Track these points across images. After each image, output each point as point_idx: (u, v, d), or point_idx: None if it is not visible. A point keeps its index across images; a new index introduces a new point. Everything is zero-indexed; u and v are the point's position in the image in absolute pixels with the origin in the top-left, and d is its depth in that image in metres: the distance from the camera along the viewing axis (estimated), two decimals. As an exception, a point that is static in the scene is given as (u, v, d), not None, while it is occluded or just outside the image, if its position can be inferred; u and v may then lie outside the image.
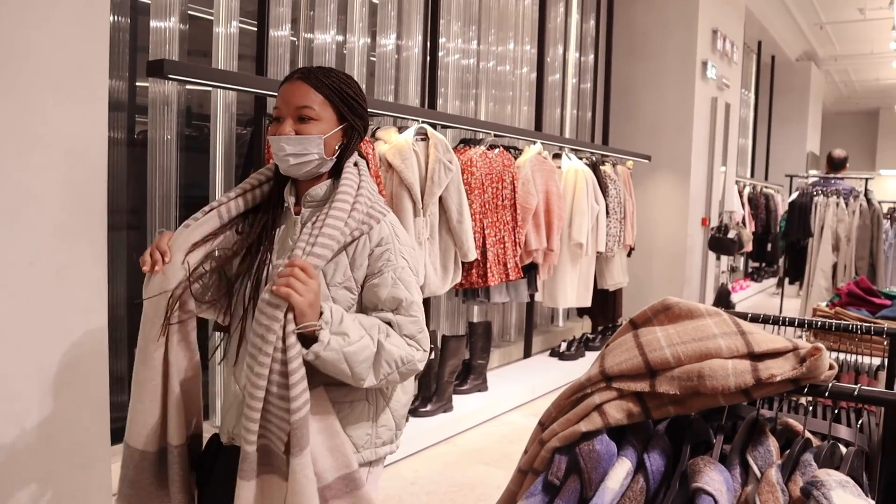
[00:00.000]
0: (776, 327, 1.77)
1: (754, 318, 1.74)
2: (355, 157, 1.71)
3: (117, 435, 3.04)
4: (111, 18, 3.32)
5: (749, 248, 8.17)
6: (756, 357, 1.06)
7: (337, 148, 1.66)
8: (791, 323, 1.85)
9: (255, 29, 3.47)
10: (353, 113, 1.67)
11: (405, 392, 1.74)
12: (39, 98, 2.11)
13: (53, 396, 2.20)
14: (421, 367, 1.59)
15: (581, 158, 5.40)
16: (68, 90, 2.17)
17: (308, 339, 1.45)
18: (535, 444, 1.17)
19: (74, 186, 2.21)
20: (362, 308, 1.61)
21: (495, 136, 4.47)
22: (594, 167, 5.44)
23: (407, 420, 1.80)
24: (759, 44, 11.28)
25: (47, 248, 2.16)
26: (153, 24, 3.35)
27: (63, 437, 2.26)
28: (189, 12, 3.53)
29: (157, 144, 3.42)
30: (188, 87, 3.55)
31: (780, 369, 1.04)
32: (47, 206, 2.15)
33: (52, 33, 2.13)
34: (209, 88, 3.54)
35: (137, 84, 3.48)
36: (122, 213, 3.46)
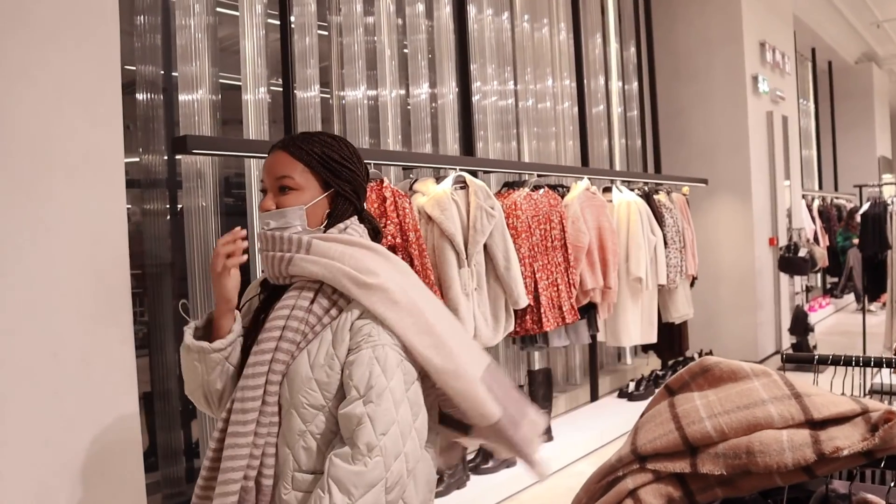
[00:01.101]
0: (854, 370, 1.55)
1: (822, 360, 1.53)
2: (348, 222, 1.59)
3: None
4: (143, 96, 3.36)
5: (825, 264, 7.75)
6: (816, 425, 0.89)
7: (325, 216, 1.56)
8: (878, 363, 1.55)
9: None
10: (339, 177, 1.56)
11: (418, 478, 1.55)
12: (54, 187, 2.09)
13: (86, 489, 2.13)
14: (406, 471, 1.42)
15: (633, 189, 5.21)
16: (83, 176, 2.15)
17: None
18: (566, 538, 1.01)
19: (96, 270, 2.18)
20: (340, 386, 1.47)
21: (539, 175, 4.34)
22: (647, 197, 5.24)
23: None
24: (813, 50, 10.90)
25: (71, 335, 2.12)
26: (182, 97, 3.37)
27: (99, 530, 2.18)
28: (220, 81, 3.55)
29: (195, 213, 3.41)
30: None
31: (847, 440, 0.86)
32: (69, 293, 2.12)
33: (63, 119, 2.12)
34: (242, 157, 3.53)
35: (177, 157, 3.50)
36: (167, 282, 3.46)
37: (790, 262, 6.85)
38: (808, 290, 8.92)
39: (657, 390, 1.07)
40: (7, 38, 2.06)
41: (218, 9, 3.55)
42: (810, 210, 8.82)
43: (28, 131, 2.06)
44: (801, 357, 1.51)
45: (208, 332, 1.58)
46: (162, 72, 3.44)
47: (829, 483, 0.99)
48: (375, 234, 1.65)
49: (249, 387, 1.45)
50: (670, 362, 6.01)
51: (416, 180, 3.67)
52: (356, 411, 1.39)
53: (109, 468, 2.21)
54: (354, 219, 1.61)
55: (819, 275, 10.48)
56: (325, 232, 1.55)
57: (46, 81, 2.13)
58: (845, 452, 0.86)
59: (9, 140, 2.04)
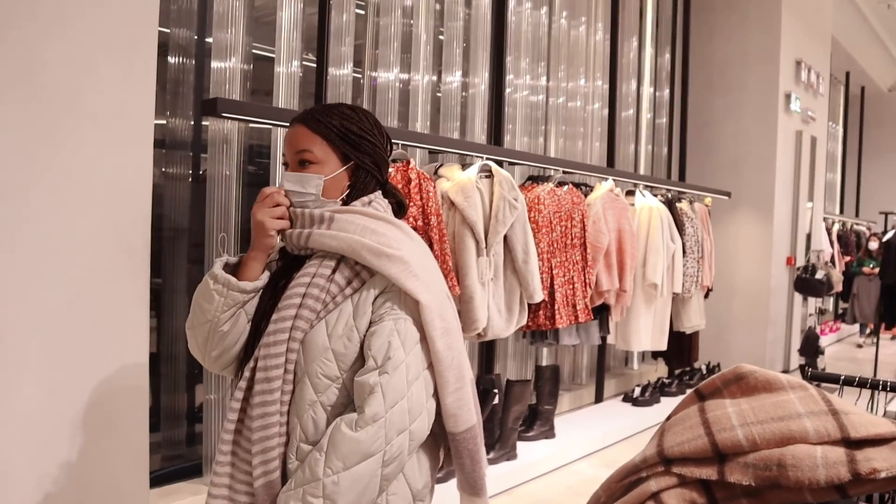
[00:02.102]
0: (862, 394, 1.53)
1: (848, 381, 1.50)
2: (371, 196, 1.57)
3: (156, 479, 3.00)
4: (175, 60, 3.35)
5: (839, 288, 7.68)
6: (853, 444, 0.87)
7: (345, 189, 1.55)
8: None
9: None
10: (359, 150, 1.54)
11: (421, 458, 1.55)
12: (83, 139, 2.08)
13: (90, 442, 2.14)
14: (408, 447, 1.41)
15: (656, 195, 5.17)
16: (113, 132, 2.14)
17: None
18: (582, 535, 1.00)
19: (117, 226, 2.17)
20: (363, 360, 1.45)
21: (564, 172, 4.31)
22: (670, 204, 5.20)
23: (433, 490, 1.61)
24: (847, 74, 10.79)
25: (87, 288, 2.12)
26: (215, 64, 3.35)
27: (100, 482, 2.19)
28: (253, 51, 3.53)
29: (218, 181, 3.40)
30: (250, 125, 3.54)
31: (885, 462, 0.84)
32: (88, 246, 2.11)
33: (98, 75, 2.11)
34: (269, 126, 3.52)
35: (203, 123, 3.49)
36: (182, 247, 3.46)
37: (807, 283, 6.80)
38: (822, 312, 8.85)
39: (686, 393, 1.05)
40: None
41: (257, -23, 3.53)
42: (829, 233, 8.74)
43: (60, 80, 2.05)
44: (826, 376, 1.48)
45: (235, 274, 1.55)
46: (196, 36, 3.43)
47: (857, 504, 0.97)
48: (400, 209, 1.64)
49: (272, 354, 1.43)
50: (678, 371, 5.98)
51: (441, 165, 3.65)
52: (370, 381, 1.39)
53: (115, 423, 2.22)
54: (378, 193, 1.59)
55: (832, 299, 10.39)
56: (347, 205, 1.54)
57: (82, 31, 2.12)
58: (883, 475, 0.83)
59: (41, 86, 2.03)
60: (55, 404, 2.07)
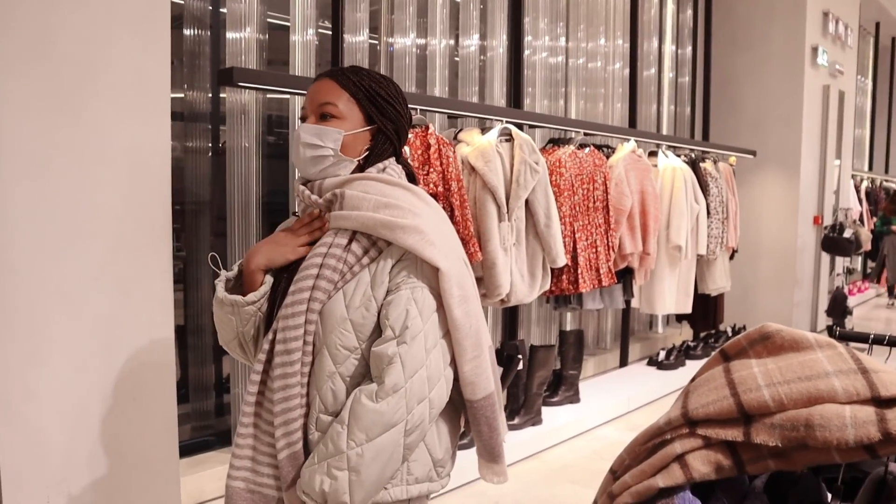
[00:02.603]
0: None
1: (878, 340, 1.47)
2: (387, 163, 1.55)
3: (185, 449, 3.05)
4: (190, 32, 3.33)
5: (868, 247, 7.55)
6: (883, 403, 0.84)
7: (363, 151, 1.52)
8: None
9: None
10: (384, 115, 1.52)
11: (442, 430, 1.54)
12: (101, 112, 2.08)
13: (119, 412, 2.17)
14: (428, 416, 1.42)
15: (679, 156, 5.09)
16: (130, 104, 2.13)
17: None
18: (605, 497, 0.99)
19: (138, 200, 2.18)
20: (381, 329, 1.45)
21: (585, 134, 4.25)
22: (693, 164, 5.12)
23: (454, 456, 1.61)
24: (878, 25, 10.48)
25: (111, 262, 2.13)
26: (230, 35, 3.33)
27: (130, 452, 2.23)
28: (267, 20, 3.50)
29: (237, 153, 3.40)
30: (267, 95, 3.53)
31: (916, 420, 0.82)
32: (111, 220, 2.13)
33: (113, 47, 2.10)
34: (287, 96, 3.50)
35: (221, 95, 3.48)
36: (205, 220, 3.47)
37: (834, 242, 6.69)
38: (850, 272, 8.73)
39: (711, 354, 1.03)
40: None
41: (270, -55, 3.49)
42: (858, 191, 8.57)
43: (76, 53, 2.05)
44: (855, 335, 1.45)
45: (239, 282, 1.58)
46: (210, 7, 3.41)
47: (888, 465, 0.95)
48: (411, 180, 1.61)
49: (290, 326, 1.43)
50: (703, 334, 5.94)
51: (461, 129, 3.62)
52: (388, 351, 1.38)
53: (143, 395, 2.25)
54: (392, 160, 1.57)
55: (861, 258, 10.23)
56: (363, 169, 1.52)
57: (99, 10, 2.11)
58: (914, 433, 0.82)
59: (57, 60, 2.03)
60: (84, 376, 2.11)
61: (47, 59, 2.01)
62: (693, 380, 1.01)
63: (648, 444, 0.98)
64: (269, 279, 1.55)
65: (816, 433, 0.85)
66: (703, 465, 0.91)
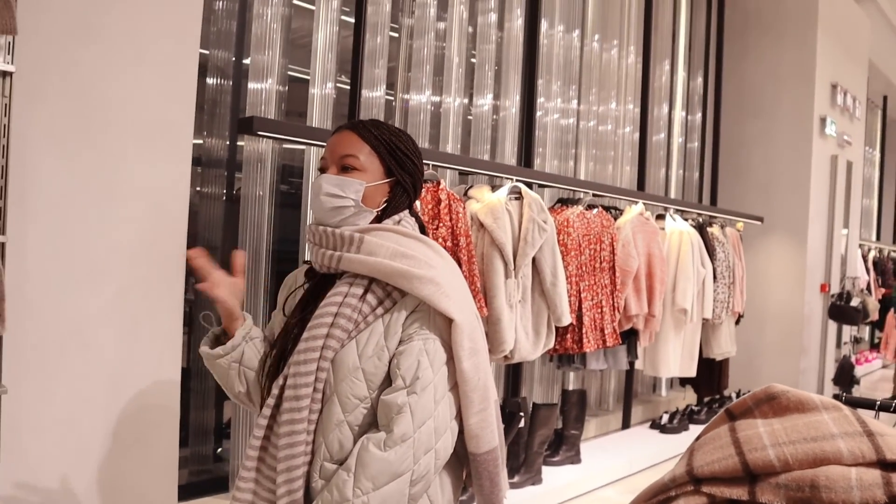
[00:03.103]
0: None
1: (884, 407, 1.47)
2: (402, 215, 1.58)
3: (186, 491, 3.02)
4: (213, 80, 3.42)
5: (875, 317, 7.52)
6: (888, 466, 0.85)
7: (381, 203, 1.56)
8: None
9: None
10: (403, 168, 1.57)
11: (444, 478, 1.54)
12: (124, 152, 2.14)
13: (121, 451, 2.17)
14: (434, 467, 1.42)
15: (687, 220, 5.13)
16: (153, 146, 2.19)
17: None
18: (610, 555, 0.99)
19: (154, 240, 2.22)
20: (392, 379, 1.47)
21: (594, 195, 4.30)
22: (701, 229, 5.16)
23: None
24: (885, 99, 10.65)
25: (124, 300, 2.16)
26: (251, 85, 3.42)
27: (129, 493, 2.22)
28: (288, 73, 3.59)
29: (251, 200, 3.45)
30: (284, 145, 3.60)
31: (921, 485, 0.82)
32: (126, 258, 2.17)
33: (140, 89, 2.18)
34: (302, 146, 3.57)
35: (238, 144, 3.56)
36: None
37: (841, 310, 6.67)
38: (857, 341, 8.67)
39: (717, 414, 1.04)
40: (100, 3, 2.12)
41: (294, 1, 3.60)
42: (865, 260, 8.58)
43: (106, 96, 2.12)
44: (862, 401, 1.46)
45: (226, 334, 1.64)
46: (233, 58, 3.50)
47: (893, 529, 0.95)
48: (422, 231, 1.65)
49: (302, 373, 1.44)
50: (707, 399, 5.89)
51: (471, 186, 3.67)
52: (398, 400, 1.39)
53: (146, 433, 2.25)
54: (407, 212, 1.60)
55: (868, 328, 10.18)
56: (380, 220, 1.55)
57: (128, 50, 2.19)
58: (919, 497, 0.82)
59: (85, 98, 2.11)
60: (90, 412, 2.11)
61: (75, 96, 2.08)
62: (698, 438, 1.01)
63: (652, 501, 0.98)
64: (241, 332, 1.59)
65: (822, 494, 0.85)
66: (707, 523, 0.91)
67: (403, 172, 1.57)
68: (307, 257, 1.62)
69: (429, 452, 1.40)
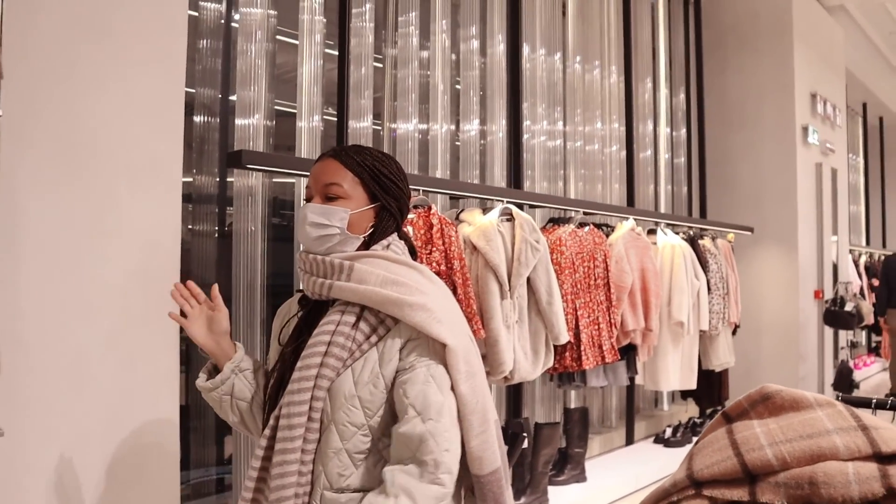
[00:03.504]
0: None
1: (880, 405, 1.49)
2: (391, 239, 1.59)
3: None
4: (200, 118, 3.45)
5: (870, 320, 7.56)
6: (884, 459, 0.86)
7: (368, 228, 1.57)
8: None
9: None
10: (387, 193, 1.57)
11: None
12: (115, 190, 2.16)
13: (122, 490, 2.16)
14: (452, 491, 1.42)
15: (678, 233, 5.17)
16: (143, 183, 2.22)
17: None
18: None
19: (147, 276, 2.23)
20: (390, 406, 1.47)
21: (585, 213, 4.34)
22: (692, 241, 5.19)
23: None
24: (864, 105, 10.78)
25: (120, 337, 2.17)
26: (239, 121, 3.45)
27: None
28: (275, 107, 3.63)
29: (243, 235, 3.47)
30: (273, 179, 3.62)
31: (917, 475, 0.84)
32: (120, 296, 2.17)
33: (129, 128, 2.20)
34: (292, 180, 3.60)
35: (228, 180, 3.58)
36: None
37: (836, 315, 6.70)
38: (854, 345, 8.69)
39: (714, 418, 1.05)
40: (85, 45, 2.15)
41: (278, 36, 3.65)
42: (857, 265, 8.64)
43: (94, 137, 2.14)
44: (858, 400, 1.47)
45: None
46: (220, 95, 3.54)
47: (893, 522, 0.96)
48: (412, 254, 1.66)
49: (295, 402, 1.44)
50: (708, 410, 5.88)
51: (462, 210, 3.70)
52: (416, 430, 1.38)
53: (146, 470, 2.24)
54: (395, 236, 1.61)
55: (864, 332, 10.20)
56: (368, 246, 1.56)
57: (115, 91, 2.22)
58: (915, 487, 0.83)
59: (76, 144, 2.13)
60: (88, 451, 2.11)
61: (63, 137, 2.11)
62: (696, 443, 1.03)
63: (656, 507, 0.99)
64: (229, 365, 1.61)
65: (821, 490, 0.86)
66: (710, 526, 0.92)
67: (388, 197, 1.58)
68: (300, 287, 1.63)
69: (451, 475, 1.41)
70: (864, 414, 0.92)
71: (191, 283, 1.64)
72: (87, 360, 2.12)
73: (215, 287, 1.64)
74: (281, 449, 1.43)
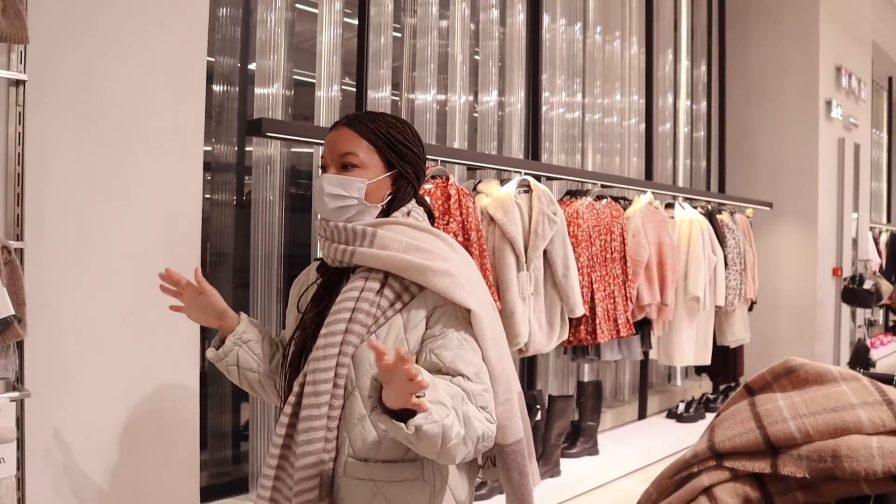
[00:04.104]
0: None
1: (901, 381, 1.48)
2: (410, 206, 1.58)
3: (207, 493, 3.05)
4: (220, 87, 3.44)
5: (890, 299, 7.50)
6: (908, 433, 0.86)
7: (386, 196, 1.55)
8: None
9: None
10: (403, 160, 1.55)
11: (462, 472, 1.54)
12: (137, 159, 2.17)
13: (143, 454, 2.20)
14: (491, 443, 1.43)
15: (696, 207, 5.13)
16: (165, 152, 2.22)
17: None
18: (635, 532, 1.00)
19: (169, 244, 2.25)
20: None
21: (602, 186, 4.31)
22: (710, 216, 5.15)
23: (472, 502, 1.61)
24: (890, 80, 10.60)
25: (141, 304, 2.19)
26: (258, 90, 3.44)
27: (150, 494, 2.25)
28: (294, 77, 3.61)
29: (261, 205, 3.48)
30: (292, 149, 3.62)
31: (941, 450, 0.84)
32: (142, 263, 2.19)
33: (151, 97, 2.21)
34: (310, 150, 3.59)
35: (247, 149, 3.58)
36: (227, 271, 3.53)
37: (854, 293, 6.65)
38: (871, 324, 8.64)
39: (736, 390, 1.05)
40: (103, 10, 2.14)
41: (297, 4, 3.62)
42: (877, 243, 8.55)
43: (117, 103, 2.15)
44: (880, 376, 1.46)
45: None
46: (239, 64, 3.53)
47: (915, 497, 0.96)
48: (430, 220, 1.64)
49: (321, 369, 1.43)
50: (722, 387, 5.88)
51: (480, 181, 3.68)
52: (461, 385, 1.39)
53: (166, 436, 2.28)
54: (414, 202, 1.59)
55: (882, 311, 10.13)
56: (387, 214, 1.54)
57: (137, 57, 2.22)
58: (940, 462, 0.83)
59: (99, 110, 2.14)
60: (110, 414, 2.15)
61: (87, 103, 2.12)
62: (718, 414, 1.03)
63: (675, 478, 0.99)
64: (233, 335, 1.61)
65: (844, 464, 0.86)
66: (730, 497, 0.92)
67: (404, 163, 1.56)
68: (319, 253, 1.62)
69: (493, 429, 1.42)
70: (890, 389, 0.92)
71: (170, 271, 1.61)
72: (108, 325, 2.15)
73: (198, 270, 1.62)
74: (307, 416, 1.43)
